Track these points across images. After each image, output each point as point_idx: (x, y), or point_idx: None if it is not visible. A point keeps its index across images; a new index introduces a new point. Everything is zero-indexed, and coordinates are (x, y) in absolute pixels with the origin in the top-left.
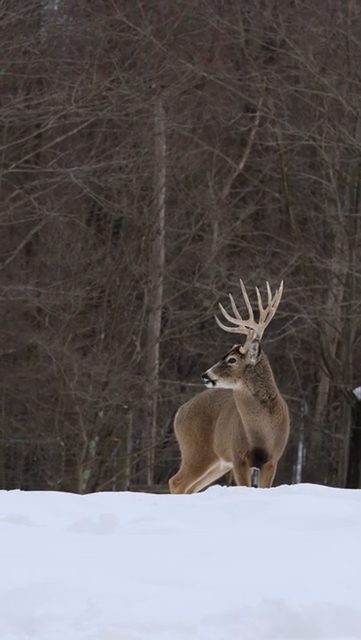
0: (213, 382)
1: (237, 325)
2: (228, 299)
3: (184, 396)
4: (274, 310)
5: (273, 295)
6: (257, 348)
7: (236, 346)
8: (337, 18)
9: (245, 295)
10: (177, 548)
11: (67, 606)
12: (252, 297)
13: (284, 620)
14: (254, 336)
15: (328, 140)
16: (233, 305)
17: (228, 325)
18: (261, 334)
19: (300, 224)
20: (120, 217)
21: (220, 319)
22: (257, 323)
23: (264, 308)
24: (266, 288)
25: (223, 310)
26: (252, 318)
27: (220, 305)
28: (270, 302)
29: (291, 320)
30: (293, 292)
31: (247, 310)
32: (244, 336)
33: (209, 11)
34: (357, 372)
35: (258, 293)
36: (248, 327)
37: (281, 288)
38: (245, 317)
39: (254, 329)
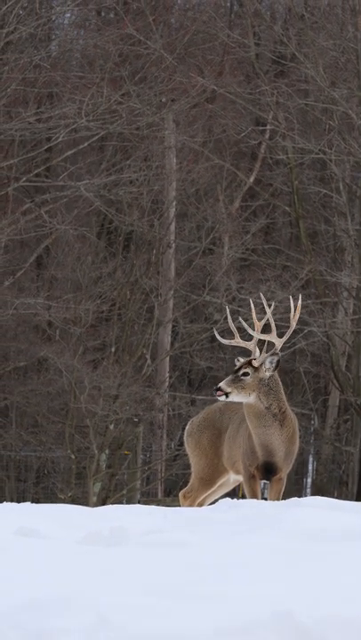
0: (227, 395)
1: (249, 339)
2: (237, 312)
3: (194, 409)
4: (294, 324)
5: (280, 309)
6: (275, 361)
7: (248, 359)
8: (347, 32)
9: (268, 310)
10: (187, 560)
11: (77, 619)
12: (264, 311)
13: (294, 632)
14: (277, 349)
15: (338, 153)
16: (241, 320)
17: (245, 338)
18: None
19: (310, 237)
20: (131, 230)
21: (221, 332)
22: (279, 337)
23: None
24: (277, 301)
25: (244, 324)
26: (274, 332)
27: (240, 319)
28: (291, 316)
29: (301, 333)
30: (304, 306)
31: (265, 324)
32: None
33: (219, 25)
34: None
35: (266, 308)
36: (269, 341)
37: (300, 303)
38: (263, 331)
39: (276, 343)
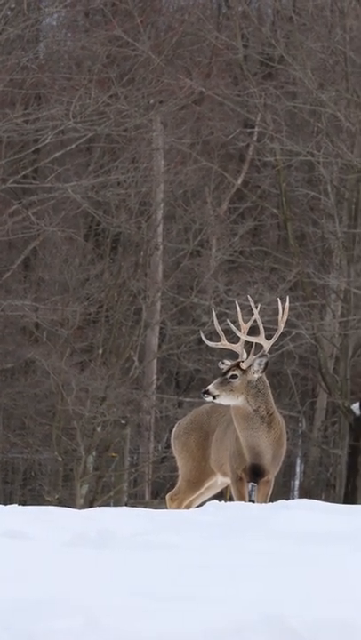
0: (215, 397)
1: (237, 341)
2: (225, 314)
3: (182, 412)
4: (282, 327)
5: (268, 311)
6: (263, 364)
7: (236, 361)
8: (335, 34)
9: (256, 313)
10: (175, 563)
11: (65, 621)
12: (251, 313)
13: (284, 635)
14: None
15: (326, 155)
16: (229, 322)
17: (234, 340)
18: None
19: (298, 240)
20: (118, 232)
21: (209, 335)
22: (267, 339)
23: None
24: (265, 304)
25: (232, 326)
26: (262, 335)
27: (228, 322)
28: (279, 318)
29: (289, 336)
30: (291, 308)
31: (253, 327)
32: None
33: (207, 26)
34: (355, 388)
35: (254, 310)
36: (257, 343)
37: (287, 305)
38: (251, 333)
39: (264, 345)
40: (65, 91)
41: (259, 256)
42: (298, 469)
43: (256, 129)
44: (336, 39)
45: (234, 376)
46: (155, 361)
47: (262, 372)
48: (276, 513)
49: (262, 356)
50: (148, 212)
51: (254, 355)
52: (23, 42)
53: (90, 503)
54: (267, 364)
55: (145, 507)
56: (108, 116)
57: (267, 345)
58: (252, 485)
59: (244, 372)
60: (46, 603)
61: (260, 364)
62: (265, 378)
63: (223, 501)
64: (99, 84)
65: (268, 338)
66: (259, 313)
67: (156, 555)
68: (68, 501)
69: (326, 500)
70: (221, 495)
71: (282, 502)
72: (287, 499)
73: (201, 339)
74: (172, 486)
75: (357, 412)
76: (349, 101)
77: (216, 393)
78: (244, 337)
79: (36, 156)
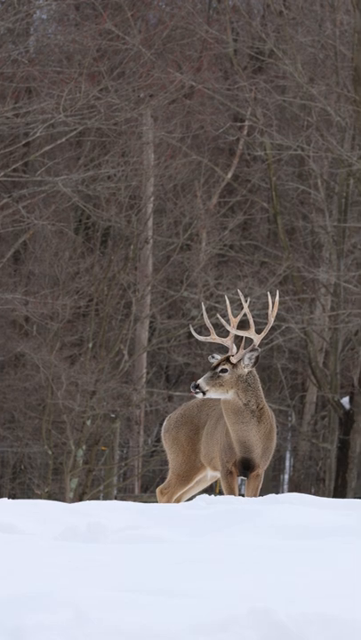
0: (204, 392)
1: (227, 335)
2: (215, 308)
3: (171, 405)
4: (272, 320)
5: (258, 305)
6: (254, 357)
7: (226, 355)
8: (326, 28)
9: (246, 309)
10: (164, 556)
11: (55, 615)
12: (241, 307)
13: (272, 629)
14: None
15: (316, 149)
16: (219, 316)
17: (225, 335)
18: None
19: (288, 234)
20: (108, 226)
21: (200, 330)
22: (257, 333)
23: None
24: (255, 297)
25: (222, 320)
26: (252, 329)
27: (218, 315)
28: (269, 312)
29: (279, 330)
30: (281, 302)
31: (243, 320)
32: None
33: (198, 20)
34: (345, 382)
35: (244, 304)
36: (246, 337)
37: (277, 299)
38: (241, 327)
39: (254, 339)
40: (55, 84)
41: (249, 250)
42: (288, 463)
43: (246, 123)
44: (326, 33)
45: (224, 370)
46: (144, 355)
47: (253, 365)
48: (266, 507)
49: (253, 349)
50: (138, 206)
51: (244, 349)
52: (13, 35)
53: (79, 497)
54: (258, 358)
55: (135, 500)
56: (99, 109)
57: (257, 339)
58: (242, 479)
59: (235, 366)
60: (35, 596)
61: (250, 358)
62: (255, 372)
63: (213, 495)
64: (89, 77)
65: (258, 332)
66: (249, 307)
67: (145, 548)
68: (57, 495)
69: (316, 493)
70: (211, 489)
71: (272, 496)
72: (277, 493)
73: (191, 332)
74: (162, 480)
75: (347, 406)
76: (340, 96)
77: (206, 388)
78: (233, 331)
79: (26, 149)
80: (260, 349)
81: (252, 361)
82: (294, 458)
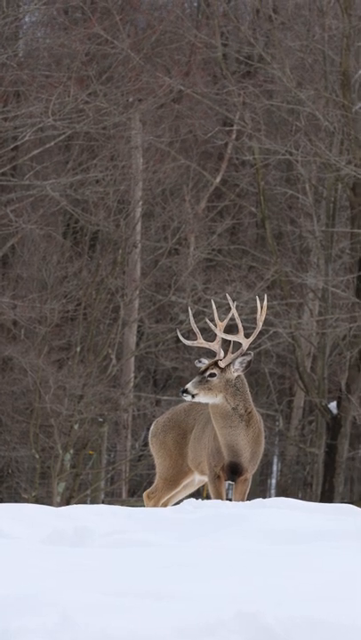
0: (193, 397)
1: (212, 340)
2: (203, 312)
3: (159, 410)
4: (260, 325)
5: (246, 309)
6: (245, 362)
7: (215, 360)
8: (314, 33)
9: (235, 312)
10: (151, 560)
11: (41, 618)
12: (229, 311)
13: (259, 632)
14: (245, 350)
15: (304, 154)
16: (207, 320)
17: (216, 338)
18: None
19: (276, 238)
20: (97, 230)
21: (187, 334)
22: (246, 337)
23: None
24: (243, 302)
25: (211, 324)
26: (241, 333)
27: (206, 320)
28: (258, 317)
29: (266, 334)
30: (269, 307)
31: (231, 325)
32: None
33: (186, 25)
34: (332, 387)
35: (233, 308)
36: (234, 342)
37: (265, 303)
38: (229, 331)
39: (242, 343)
40: (44, 88)
41: (237, 254)
42: (275, 468)
43: (235, 127)
44: (315, 38)
45: (212, 374)
46: (132, 359)
47: (244, 370)
48: (253, 511)
49: (246, 354)
50: (126, 210)
51: (232, 353)
52: (2, 39)
53: (67, 501)
54: (250, 362)
55: (122, 505)
56: (87, 113)
57: (245, 343)
58: (230, 484)
59: (223, 370)
60: (22, 600)
61: (241, 363)
62: (243, 376)
63: (200, 499)
64: (78, 81)
65: (247, 336)
66: (237, 311)
67: (132, 552)
68: (44, 499)
69: (303, 498)
70: (198, 493)
71: (259, 500)
72: (264, 497)
73: (178, 337)
74: (150, 484)
75: (334, 411)
76: (328, 100)
77: (195, 392)
78: (221, 335)
79: (14, 153)
80: (252, 353)
81: (244, 365)
82: (282, 462)
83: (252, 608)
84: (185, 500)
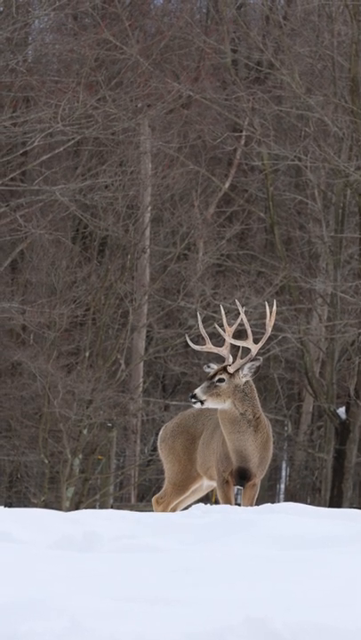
0: (202, 402)
1: (220, 346)
2: (212, 317)
3: (168, 415)
4: (269, 330)
5: (255, 315)
6: (255, 367)
7: (223, 365)
8: (323, 39)
9: (244, 317)
10: (160, 565)
11: (49, 623)
12: (238, 316)
13: (267, 638)
14: (254, 356)
15: (313, 160)
16: (217, 325)
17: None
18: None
19: (285, 244)
20: (105, 235)
21: (198, 339)
22: (255, 343)
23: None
24: (251, 307)
25: (220, 329)
26: (250, 338)
27: (216, 325)
28: (267, 322)
29: (275, 339)
30: (278, 312)
31: (240, 330)
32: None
33: (196, 30)
34: (341, 392)
35: (242, 313)
36: (244, 347)
37: (274, 309)
38: (238, 337)
39: (251, 349)
40: (53, 94)
41: (246, 260)
42: (284, 473)
43: (244, 133)
44: (324, 44)
45: (221, 380)
46: (141, 364)
47: (253, 375)
48: (262, 516)
49: (255, 359)
50: (135, 216)
51: (241, 358)
52: (12, 44)
53: (75, 506)
54: (259, 367)
55: (131, 509)
56: (96, 119)
57: (254, 349)
58: (238, 489)
59: (232, 375)
60: (30, 605)
61: (250, 368)
62: (252, 382)
63: (209, 504)
64: (87, 87)
65: (256, 341)
66: (246, 317)
67: (141, 557)
68: (53, 504)
69: (312, 503)
70: (207, 498)
71: (267, 506)
72: (273, 502)
73: (187, 342)
74: (158, 489)
75: (343, 416)
76: (337, 106)
77: (203, 398)
78: (229, 340)
79: (23, 158)
80: (261, 359)
81: (253, 371)
82: (290, 467)
83: (261, 613)
84: (194, 505)
